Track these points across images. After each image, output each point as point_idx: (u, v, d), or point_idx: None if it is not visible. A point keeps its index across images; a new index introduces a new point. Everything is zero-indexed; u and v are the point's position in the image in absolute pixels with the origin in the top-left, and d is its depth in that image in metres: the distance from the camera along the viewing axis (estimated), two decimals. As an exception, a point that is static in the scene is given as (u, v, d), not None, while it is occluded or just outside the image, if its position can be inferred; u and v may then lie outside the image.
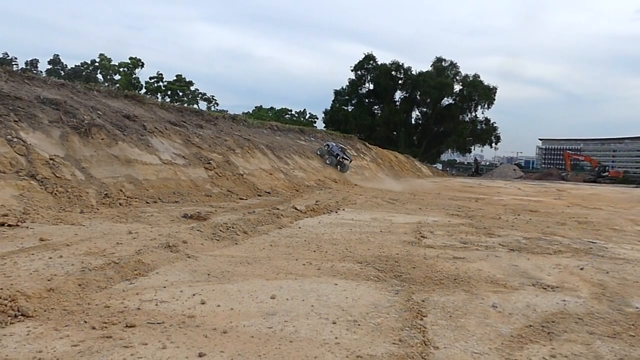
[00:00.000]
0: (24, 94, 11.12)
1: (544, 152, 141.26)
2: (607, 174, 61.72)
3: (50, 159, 9.37)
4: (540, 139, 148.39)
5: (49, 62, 60.58)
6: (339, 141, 29.75)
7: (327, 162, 24.03)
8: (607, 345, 3.71)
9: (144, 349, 3.16)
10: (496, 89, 60.82)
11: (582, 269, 6.34)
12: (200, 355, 3.11)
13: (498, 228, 9.89)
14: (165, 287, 4.59)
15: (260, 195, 14.01)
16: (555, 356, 3.44)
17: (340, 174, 23.75)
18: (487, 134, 62.74)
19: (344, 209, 11.96)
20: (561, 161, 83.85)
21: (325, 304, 4.35)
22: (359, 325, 3.86)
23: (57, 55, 61.06)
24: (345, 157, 24.87)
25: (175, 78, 59.19)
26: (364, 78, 62.29)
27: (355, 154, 31.84)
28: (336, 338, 3.55)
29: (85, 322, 3.57)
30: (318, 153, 24.61)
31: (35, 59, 60.61)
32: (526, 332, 3.92)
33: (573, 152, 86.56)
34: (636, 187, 43.95)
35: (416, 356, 3.33)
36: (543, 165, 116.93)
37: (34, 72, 17.64)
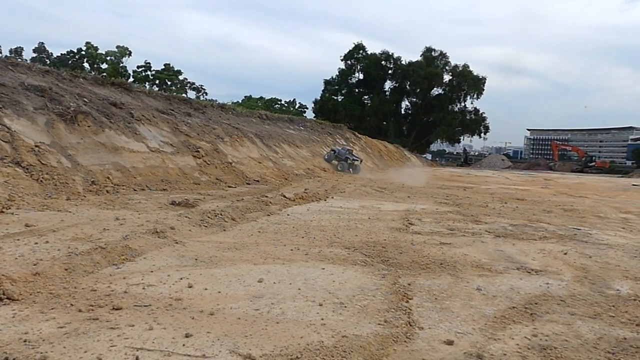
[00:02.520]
0: (7, 80, 10.94)
1: (532, 142, 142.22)
2: (593, 164, 62.46)
3: (36, 146, 9.25)
4: (528, 129, 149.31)
5: (34, 50, 59.25)
6: (327, 127, 29.47)
7: (339, 168, 23.08)
8: (587, 325, 3.79)
9: (131, 330, 3.17)
10: (485, 79, 60.84)
11: (565, 253, 6.45)
12: (187, 335, 3.13)
13: (485, 215, 10.00)
14: (152, 271, 4.59)
15: (249, 184, 13.99)
16: (537, 335, 3.52)
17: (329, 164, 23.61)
18: (476, 124, 62.87)
19: (332, 197, 12.00)
20: (549, 151, 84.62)
21: (312, 287, 4.39)
22: (345, 307, 3.90)
23: (43, 43, 59.68)
24: (355, 158, 24.64)
25: (163, 67, 58.45)
26: (353, 68, 61.98)
27: (344, 143, 31.85)
28: (322, 319, 3.59)
29: (72, 305, 3.57)
30: (326, 158, 23.81)
31: (20, 46, 59.20)
32: (509, 313, 3.99)
33: (561, 142, 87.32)
34: (622, 176, 44.58)
35: (401, 336, 3.38)
36: (531, 155, 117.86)
37: (19, 59, 17.30)
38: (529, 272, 5.36)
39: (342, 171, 22.86)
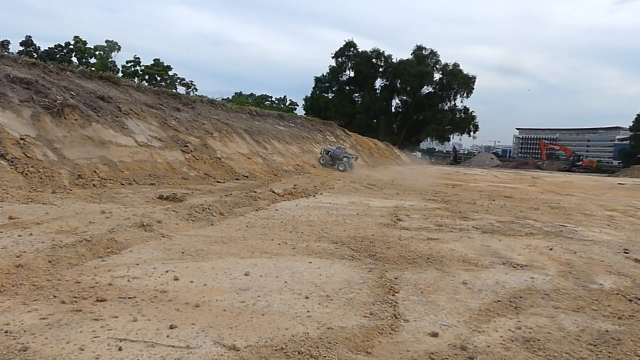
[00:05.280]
0: (-7, 72, 10.79)
1: (520, 141, 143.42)
2: (581, 163, 63.27)
3: (21, 139, 9.14)
4: (517, 128, 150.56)
5: (21, 44, 58.26)
6: (317, 124, 29.43)
7: (340, 168, 22.70)
8: (570, 318, 3.83)
9: (115, 322, 3.15)
10: (475, 78, 61.25)
11: (551, 249, 6.51)
12: (171, 327, 3.11)
13: (473, 212, 10.06)
14: (138, 264, 4.56)
15: (238, 179, 13.94)
16: (521, 328, 3.55)
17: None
18: (466, 122, 63.27)
19: (322, 193, 12.00)
20: (537, 150, 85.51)
21: (298, 280, 4.38)
22: (332, 300, 3.90)
23: (30, 36, 58.75)
24: (352, 155, 24.50)
25: (152, 62, 57.96)
26: (344, 65, 61.99)
27: (334, 140, 31.87)
28: (308, 312, 3.58)
29: (55, 296, 3.53)
30: (322, 163, 23.27)
31: (7, 40, 58.17)
32: (494, 306, 4.02)
33: (549, 142, 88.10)
34: (608, 175, 45.17)
35: (386, 328, 3.39)
36: (520, 154, 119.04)
37: (5, 52, 17.04)
38: (515, 267, 5.41)
39: (344, 171, 22.43)
